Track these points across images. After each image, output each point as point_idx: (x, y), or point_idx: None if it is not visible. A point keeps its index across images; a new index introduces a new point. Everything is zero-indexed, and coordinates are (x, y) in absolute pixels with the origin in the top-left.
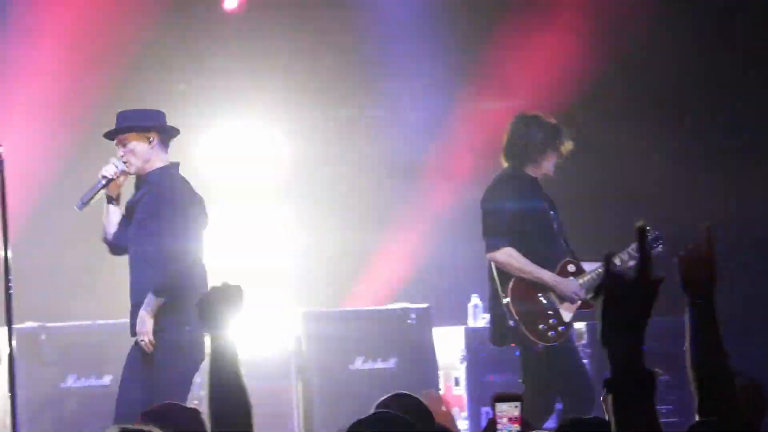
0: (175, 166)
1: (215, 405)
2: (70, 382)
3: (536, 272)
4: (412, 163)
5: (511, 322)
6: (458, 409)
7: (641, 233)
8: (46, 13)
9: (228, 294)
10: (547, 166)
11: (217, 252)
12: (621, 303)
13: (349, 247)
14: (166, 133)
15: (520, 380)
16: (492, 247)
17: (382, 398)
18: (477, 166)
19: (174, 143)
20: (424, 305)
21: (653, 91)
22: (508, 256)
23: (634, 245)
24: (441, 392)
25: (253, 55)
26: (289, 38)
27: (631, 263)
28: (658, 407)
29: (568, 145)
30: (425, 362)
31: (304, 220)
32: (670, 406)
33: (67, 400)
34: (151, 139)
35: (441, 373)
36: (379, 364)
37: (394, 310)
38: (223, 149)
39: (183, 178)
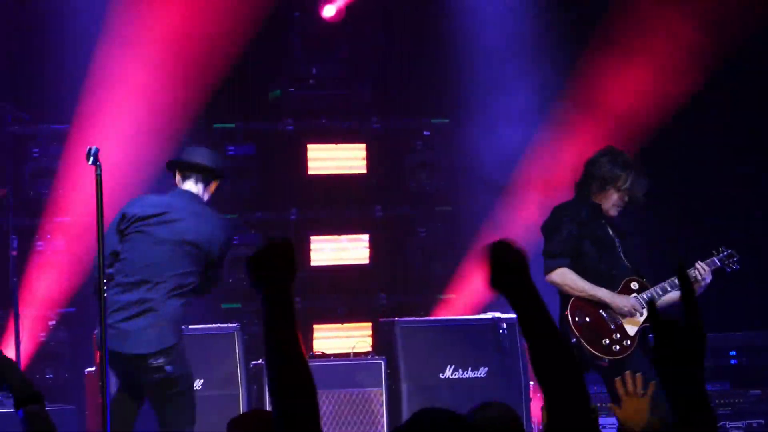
0: (171, 193)
1: (273, 372)
2: None
3: (591, 290)
4: (503, 177)
5: (573, 339)
6: None
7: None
8: (141, 21)
9: (277, 251)
10: (607, 204)
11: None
12: (671, 351)
13: (443, 256)
14: (182, 169)
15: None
16: (548, 268)
17: (472, 408)
18: (566, 182)
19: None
20: (515, 315)
21: (747, 115)
22: (562, 275)
23: (707, 261)
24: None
25: (347, 63)
26: (384, 47)
27: (705, 279)
28: (749, 421)
29: (629, 192)
30: (516, 372)
31: (394, 225)
32: (761, 420)
33: None
34: (175, 174)
35: (532, 383)
36: (470, 374)
37: (486, 320)
38: (315, 157)
39: (146, 199)
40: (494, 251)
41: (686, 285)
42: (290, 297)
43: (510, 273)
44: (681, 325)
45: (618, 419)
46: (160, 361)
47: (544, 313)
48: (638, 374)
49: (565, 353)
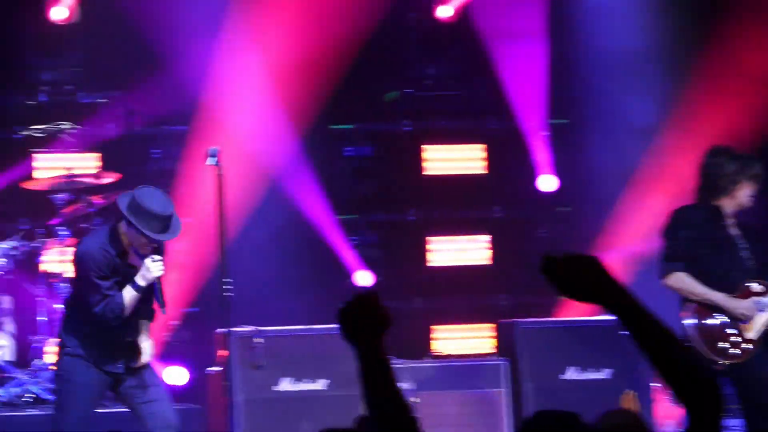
0: None
1: (375, 422)
2: (285, 385)
3: (706, 294)
4: (623, 179)
5: (687, 342)
6: (674, 422)
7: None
8: (258, 24)
9: (363, 305)
10: (741, 196)
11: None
12: None
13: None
14: None
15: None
16: (664, 272)
17: (599, 414)
18: (685, 185)
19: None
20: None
21: None
22: (677, 279)
23: None
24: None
25: (463, 63)
26: (505, 46)
27: None
28: None
29: (760, 174)
30: (638, 374)
31: (514, 226)
32: None
33: (281, 404)
34: None
35: (655, 385)
36: (591, 375)
37: (607, 320)
38: (431, 157)
39: None
40: (564, 268)
41: None
42: (383, 348)
43: (589, 283)
44: None
45: None
46: None
47: (645, 313)
48: None
49: (682, 349)
